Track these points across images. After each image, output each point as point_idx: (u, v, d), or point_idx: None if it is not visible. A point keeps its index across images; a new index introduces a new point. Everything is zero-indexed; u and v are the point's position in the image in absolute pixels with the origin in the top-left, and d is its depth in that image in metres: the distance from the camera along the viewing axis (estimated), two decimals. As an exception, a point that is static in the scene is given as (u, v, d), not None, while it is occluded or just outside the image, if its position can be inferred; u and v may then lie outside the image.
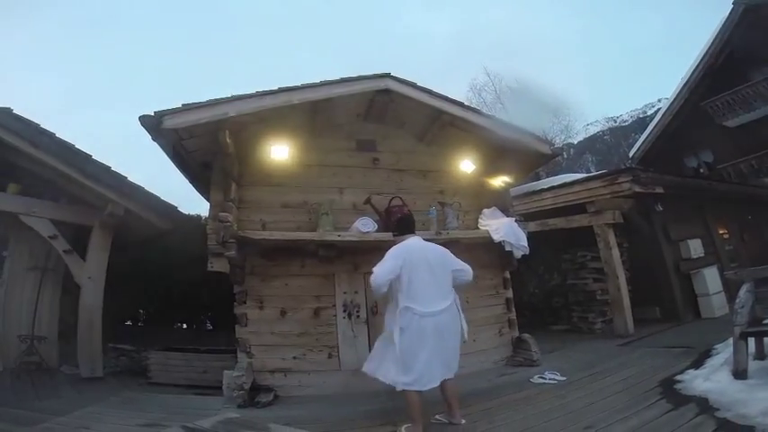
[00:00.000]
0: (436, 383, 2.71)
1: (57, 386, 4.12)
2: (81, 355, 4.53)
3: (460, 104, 4.68)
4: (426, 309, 2.72)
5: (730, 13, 10.91)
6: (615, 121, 26.89)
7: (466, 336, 2.93)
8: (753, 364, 3.08)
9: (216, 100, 3.70)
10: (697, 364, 3.69)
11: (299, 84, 3.98)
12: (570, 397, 3.20)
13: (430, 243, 3.08)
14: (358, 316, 4.26)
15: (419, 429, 2.62)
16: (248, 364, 3.76)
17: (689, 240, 6.94)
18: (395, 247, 2.96)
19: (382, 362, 2.87)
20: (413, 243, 2.97)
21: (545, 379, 3.79)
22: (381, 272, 2.77)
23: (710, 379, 3.14)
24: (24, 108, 4.50)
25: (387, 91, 4.31)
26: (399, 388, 2.68)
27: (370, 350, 4.09)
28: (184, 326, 8.66)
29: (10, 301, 4.76)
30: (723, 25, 11.13)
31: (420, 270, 2.80)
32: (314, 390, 3.94)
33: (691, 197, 7.51)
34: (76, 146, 4.62)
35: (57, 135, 4.54)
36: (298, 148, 4.40)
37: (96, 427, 2.81)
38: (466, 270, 3.00)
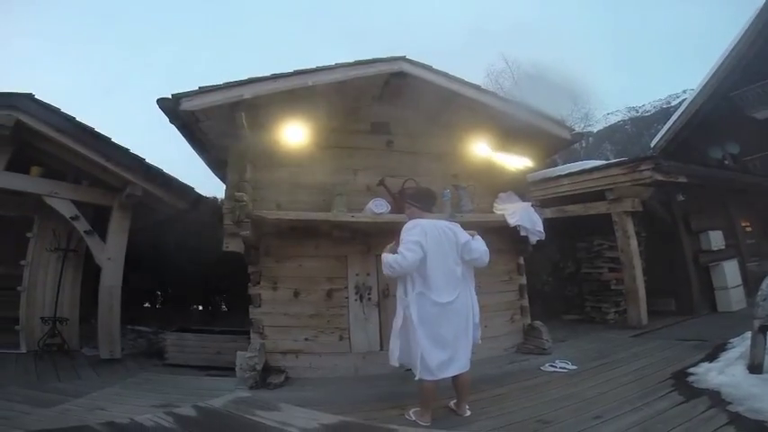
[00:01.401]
0: (453, 372, 2.67)
1: (77, 368, 4.25)
2: (101, 336, 4.67)
3: (477, 87, 4.60)
4: (441, 299, 2.68)
5: (765, 3, 10.35)
6: (637, 111, 25.90)
7: (477, 319, 2.88)
8: (769, 359, 3.02)
9: (232, 83, 3.72)
10: (711, 357, 3.64)
11: (313, 66, 3.96)
12: (580, 386, 3.21)
13: (446, 223, 2.92)
14: (369, 298, 4.31)
15: (428, 414, 2.64)
16: (261, 345, 3.84)
17: (710, 232, 6.75)
18: (411, 225, 2.79)
19: (406, 348, 2.75)
20: (429, 224, 2.80)
21: (555, 367, 3.79)
22: (411, 256, 2.64)
23: (725, 372, 3.09)
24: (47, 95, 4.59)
25: (401, 74, 4.25)
26: (424, 377, 2.60)
27: (381, 333, 4.18)
28: (200, 307, 8.89)
29: (33, 283, 4.90)
30: (760, 13, 10.58)
31: (436, 256, 2.72)
32: (324, 372, 4.01)
33: (714, 188, 7.27)
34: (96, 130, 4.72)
35: (77, 119, 4.63)
36: (312, 130, 4.39)
37: (112, 408, 2.87)
38: (480, 258, 2.91)
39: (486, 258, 2.96)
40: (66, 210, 4.76)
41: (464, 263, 2.86)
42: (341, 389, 3.56)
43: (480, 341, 2.98)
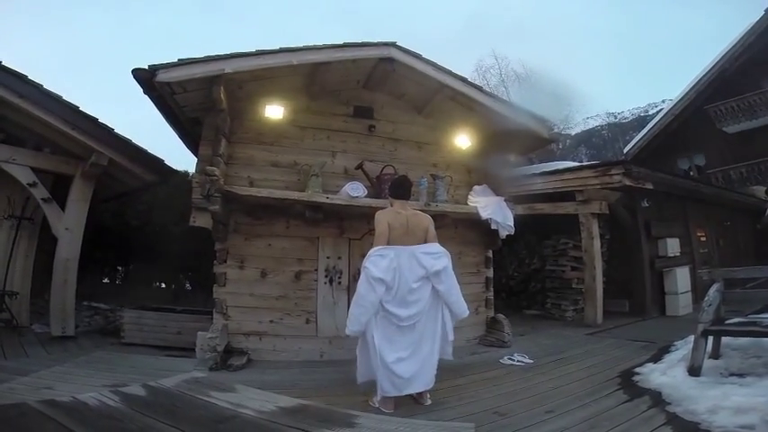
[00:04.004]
0: (416, 390, 2.74)
1: (25, 345, 4.03)
2: (53, 312, 4.45)
3: (463, 80, 4.60)
4: (403, 323, 2.74)
5: (759, 20, 10.75)
6: (616, 117, 26.73)
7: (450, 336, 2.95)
8: (707, 363, 3.21)
9: (212, 56, 3.56)
10: (656, 358, 3.84)
11: (300, 45, 3.84)
12: (536, 380, 3.33)
13: (418, 250, 2.89)
14: (339, 282, 4.30)
15: (391, 403, 2.70)
16: (223, 326, 3.78)
17: (668, 239, 7.10)
18: (378, 253, 2.79)
19: (367, 365, 2.81)
20: (396, 254, 2.80)
21: (514, 360, 3.93)
22: (373, 289, 2.70)
23: (666, 374, 3.26)
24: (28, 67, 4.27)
25: (390, 59, 4.20)
26: (386, 394, 2.66)
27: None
28: (163, 285, 8.62)
29: None
30: (748, 31, 10.99)
31: (401, 278, 2.78)
32: (288, 355, 4.00)
33: (677, 197, 7.64)
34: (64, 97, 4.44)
35: (44, 86, 4.32)
36: (293, 109, 4.31)
37: (60, 387, 2.73)
38: (439, 263, 2.88)
39: (458, 309, 2.96)
40: (24, 176, 4.50)
41: (435, 287, 2.86)
42: (304, 373, 3.56)
43: (452, 357, 3.05)
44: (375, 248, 2.83)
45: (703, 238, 8.51)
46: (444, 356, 2.97)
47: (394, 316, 2.75)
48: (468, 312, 3.05)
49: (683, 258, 7.33)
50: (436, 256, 2.90)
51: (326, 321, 4.19)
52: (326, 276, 4.28)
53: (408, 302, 2.79)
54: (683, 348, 3.76)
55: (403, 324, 2.76)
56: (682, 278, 6.95)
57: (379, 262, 2.77)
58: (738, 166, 11.24)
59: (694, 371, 3.13)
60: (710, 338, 3.31)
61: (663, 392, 2.93)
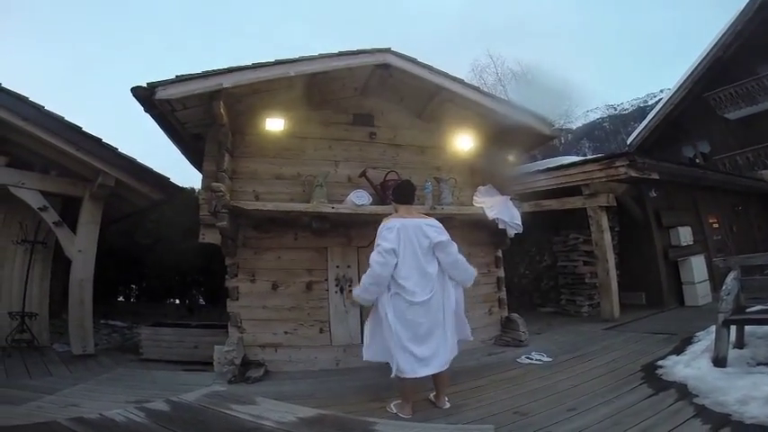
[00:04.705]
0: (431, 371, 2.69)
1: (48, 364, 4.08)
2: (72, 331, 4.50)
3: (461, 81, 4.59)
4: (416, 298, 2.71)
5: (746, 6, 10.75)
6: (615, 109, 26.68)
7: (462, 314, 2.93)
8: (732, 353, 3.14)
9: (210, 71, 3.59)
10: (678, 350, 3.77)
11: (296, 56, 3.86)
12: (555, 378, 3.28)
13: (420, 222, 2.90)
14: (350, 290, 4.27)
15: (409, 407, 2.66)
16: (239, 339, 3.78)
17: (679, 228, 6.99)
18: (387, 227, 2.81)
19: (381, 345, 2.77)
20: (402, 225, 2.81)
21: (532, 359, 3.87)
22: (384, 261, 2.70)
23: (691, 365, 3.20)
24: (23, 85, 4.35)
25: (386, 66, 4.21)
26: (401, 375, 2.62)
27: (361, 325, 4.14)
28: (177, 301, 8.68)
29: (0, 277, 4.68)
30: (737, 17, 11.00)
31: (409, 256, 2.76)
32: (304, 365, 3.98)
33: (685, 185, 7.54)
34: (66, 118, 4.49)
35: (45, 108, 4.38)
36: (293, 120, 4.32)
37: (86, 405, 2.78)
38: (456, 269, 2.89)
39: (465, 275, 2.94)
40: (34, 200, 4.55)
41: (440, 261, 2.84)
42: (321, 382, 3.54)
43: (471, 338, 3.04)
44: (383, 223, 2.85)
45: (716, 226, 8.37)
46: (463, 337, 2.95)
47: (405, 291, 2.71)
48: (474, 275, 3.01)
49: (696, 247, 7.21)
50: (439, 230, 2.88)
51: (340, 330, 4.17)
52: (337, 285, 4.26)
53: (420, 279, 2.75)
54: (706, 339, 3.69)
55: (415, 301, 2.71)
56: (698, 267, 6.83)
57: (387, 235, 2.77)
58: (744, 152, 11.11)
59: (719, 362, 3.07)
60: (733, 328, 3.24)
61: (689, 385, 2.87)
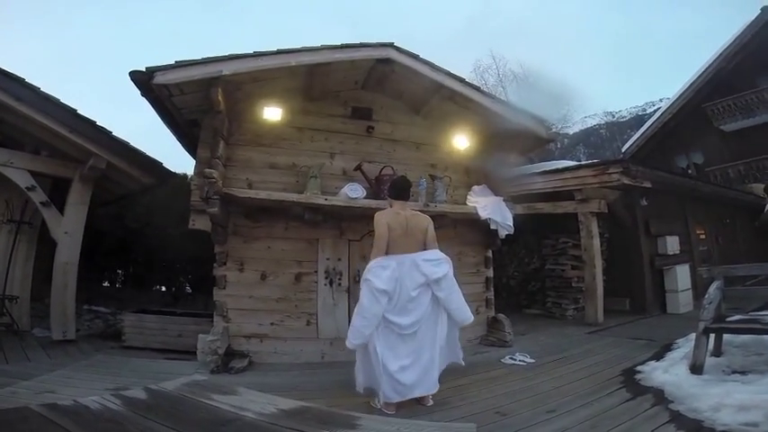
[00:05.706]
0: (418, 394, 2.74)
1: (26, 349, 4.01)
2: (54, 316, 4.43)
3: (461, 80, 4.59)
4: (405, 331, 2.75)
5: (755, 19, 10.81)
6: (614, 116, 26.80)
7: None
8: (709, 361, 3.20)
9: (210, 58, 3.55)
10: (658, 356, 3.83)
11: (298, 46, 3.83)
12: (537, 379, 3.32)
13: (419, 257, 2.89)
14: (339, 284, 4.29)
15: (393, 405, 2.68)
16: (224, 329, 3.76)
17: (667, 237, 7.10)
18: (378, 265, 2.81)
19: (371, 374, 2.81)
20: (398, 262, 2.82)
21: (515, 360, 3.92)
22: (376, 300, 2.73)
23: (669, 372, 3.26)
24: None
25: (388, 60, 4.20)
26: (388, 400, 2.66)
27: (350, 319, 4.15)
28: (163, 288, 8.59)
29: None
30: (745, 29, 11.05)
31: (402, 287, 2.80)
32: (290, 357, 3.98)
33: (675, 195, 7.65)
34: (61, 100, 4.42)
35: (41, 89, 4.30)
36: (291, 110, 4.30)
37: (62, 391, 2.71)
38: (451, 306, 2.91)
39: (461, 315, 2.96)
40: (22, 180, 4.47)
41: (436, 295, 2.86)
42: (306, 375, 3.54)
43: (463, 363, 3.12)
44: (376, 260, 2.84)
45: (703, 236, 8.52)
46: (456, 360, 3.02)
47: (395, 325, 2.75)
48: (472, 318, 3.05)
49: (682, 256, 7.32)
50: (437, 263, 2.90)
51: (327, 323, 4.17)
52: (326, 278, 4.27)
53: (408, 310, 2.80)
54: (685, 346, 3.76)
55: (404, 332, 2.76)
56: (682, 276, 6.94)
57: (380, 273, 2.78)
58: (736, 164, 11.28)
59: (696, 369, 3.13)
60: (712, 336, 3.31)
61: (665, 391, 2.92)
